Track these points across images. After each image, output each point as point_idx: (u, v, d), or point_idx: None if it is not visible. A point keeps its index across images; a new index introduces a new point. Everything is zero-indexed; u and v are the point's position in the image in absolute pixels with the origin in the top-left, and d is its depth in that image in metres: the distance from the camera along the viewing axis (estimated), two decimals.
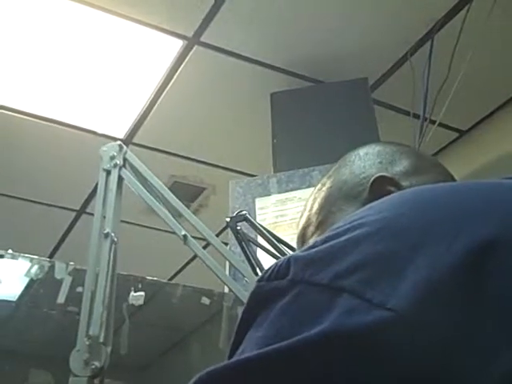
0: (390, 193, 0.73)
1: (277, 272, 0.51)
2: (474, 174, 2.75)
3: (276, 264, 0.52)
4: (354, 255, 0.49)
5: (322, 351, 0.44)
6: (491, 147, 2.76)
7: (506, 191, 0.55)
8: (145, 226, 3.47)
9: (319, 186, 0.87)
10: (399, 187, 0.76)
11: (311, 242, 0.81)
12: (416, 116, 2.48)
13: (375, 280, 0.46)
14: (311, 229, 0.83)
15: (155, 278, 2.05)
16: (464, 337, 0.43)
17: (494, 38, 2.39)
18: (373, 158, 0.84)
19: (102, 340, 1.32)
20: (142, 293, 1.91)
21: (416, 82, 2.44)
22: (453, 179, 0.84)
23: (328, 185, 0.85)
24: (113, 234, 1.43)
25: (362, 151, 0.86)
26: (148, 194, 1.49)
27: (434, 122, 2.44)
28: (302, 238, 0.85)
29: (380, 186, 0.77)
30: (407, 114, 2.61)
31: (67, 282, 1.84)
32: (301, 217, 0.87)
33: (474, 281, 0.45)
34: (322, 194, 0.84)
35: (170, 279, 3.80)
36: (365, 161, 0.84)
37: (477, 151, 2.84)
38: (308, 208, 0.86)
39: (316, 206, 0.84)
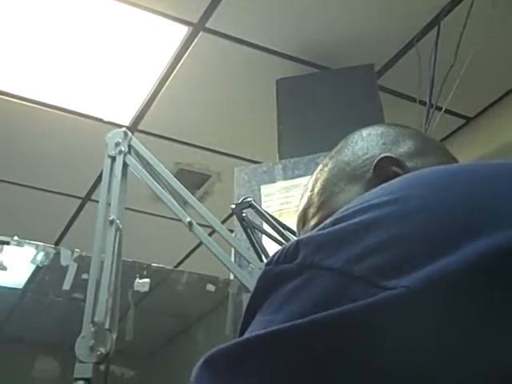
0: (394, 173, 0.72)
1: (285, 255, 0.50)
2: (481, 161, 2.73)
3: (284, 247, 0.51)
4: (366, 239, 0.48)
5: (331, 333, 0.44)
6: (498, 134, 2.75)
7: None
8: (150, 214, 3.47)
9: (321, 166, 0.85)
10: (404, 168, 0.74)
11: (312, 223, 0.80)
12: (422, 103, 2.47)
13: (388, 267, 0.45)
14: (312, 210, 0.81)
15: (160, 265, 2.06)
16: (468, 328, 0.42)
17: (501, 24, 2.37)
18: (376, 139, 0.82)
19: (107, 326, 1.32)
20: (148, 280, 1.92)
21: (422, 68, 2.43)
22: (457, 163, 0.81)
23: (330, 165, 0.83)
24: (118, 221, 1.43)
25: (364, 132, 0.85)
26: (153, 181, 1.49)
27: (440, 109, 2.43)
28: (303, 218, 0.83)
29: (384, 167, 0.75)
30: (413, 100, 2.60)
31: (73, 268, 1.85)
32: (302, 198, 0.85)
33: (492, 283, 0.43)
34: (324, 175, 0.82)
35: (176, 266, 3.81)
36: (368, 141, 0.82)
37: (483, 138, 2.83)
38: (309, 189, 0.84)
39: (318, 187, 0.82)
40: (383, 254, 0.46)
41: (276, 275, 0.50)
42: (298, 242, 0.51)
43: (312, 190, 0.83)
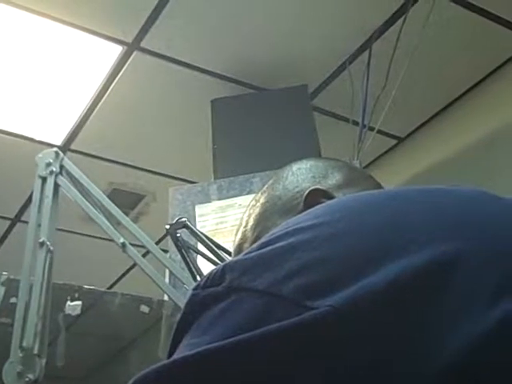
0: None
1: (212, 279, 0.51)
2: (413, 180, 2.80)
3: (211, 272, 0.52)
4: (291, 261, 0.48)
5: (256, 353, 0.44)
6: (428, 154, 2.82)
7: (446, 196, 0.56)
8: (83, 234, 3.41)
9: (253, 202, 0.88)
10: (333, 199, 0.76)
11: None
12: (355, 123, 2.51)
13: (313, 287, 0.46)
14: (247, 245, 0.83)
15: (93, 287, 2.02)
16: (402, 336, 0.43)
17: (429, 47, 2.44)
18: (306, 173, 0.85)
19: (36, 352, 1.29)
20: (79, 302, 1.88)
21: (355, 89, 2.47)
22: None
23: (262, 200, 0.85)
24: (48, 243, 1.40)
25: (294, 167, 0.88)
26: (85, 202, 1.47)
27: (372, 129, 2.48)
28: (238, 254, 0.85)
29: (314, 199, 0.77)
30: (346, 120, 2.64)
31: (0, 292, 1.79)
32: (236, 233, 0.87)
33: (409, 288, 0.45)
34: (257, 210, 0.85)
35: (109, 288, 3.74)
36: (298, 175, 0.85)
37: (414, 158, 2.89)
38: (243, 224, 0.86)
39: (251, 222, 0.84)
40: (308, 275, 0.47)
41: (203, 299, 0.50)
42: (224, 266, 0.51)
43: (245, 226, 0.85)
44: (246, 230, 0.84)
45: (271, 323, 0.44)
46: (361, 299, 0.44)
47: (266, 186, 0.88)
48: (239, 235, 0.86)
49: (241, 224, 0.87)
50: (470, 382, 0.41)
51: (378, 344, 0.43)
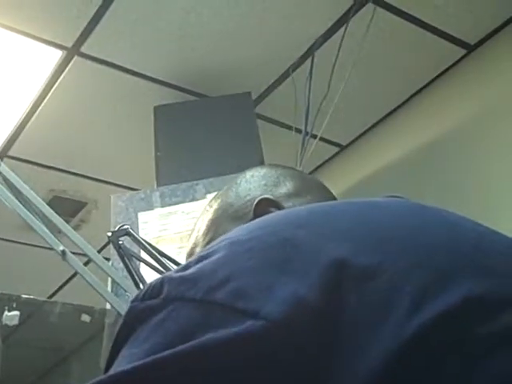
0: None
1: (151, 292, 0.52)
2: (355, 188, 2.83)
3: (150, 284, 0.53)
4: (225, 271, 0.51)
5: (195, 364, 0.45)
6: (371, 161, 2.86)
7: (375, 211, 0.59)
8: (21, 243, 3.33)
9: (207, 207, 0.88)
10: (281, 209, 0.78)
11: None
12: (298, 130, 2.53)
13: (246, 292, 0.48)
14: (198, 250, 0.84)
15: (31, 297, 1.97)
16: (331, 342, 0.45)
17: (370, 55, 2.47)
18: (258, 181, 0.86)
19: None
20: (17, 312, 1.83)
21: (298, 97, 2.49)
22: (334, 199, 0.87)
23: (215, 206, 0.86)
24: None
25: (248, 174, 0.89)
26: (24, 209, 1.43)
27: (315, 137, 2.50)
28: (190, 258, 0.85)
29: (263, 208, 0.78)
30: (289, 128, 2.66)
31: None
32: (190, 237, 0.88)
33: (333, 296, 0.47)
34: (209, 216, 0.86)
35: (50, 298, 3.67)
36: (250, 183, 0.86)
37: (356, 165, 2.93)
38: (196, 229, 0.87)
39: (203, 228, 0.85)
40: (240, 281, 0.49)
41: (141, 311, 0.51)
42: (162, 278, 0.53)
43: (198, 231, 0.86)
44: (198, 235, 0.85)
45: (207, 331, 0.46)
46: (293, 308, 0.46)
47: (221, 192, 0.89)
48: (192, 240, 0.87)
49: (194, 229, 0.88)
50: None
51: (305, 357, 0.44)
